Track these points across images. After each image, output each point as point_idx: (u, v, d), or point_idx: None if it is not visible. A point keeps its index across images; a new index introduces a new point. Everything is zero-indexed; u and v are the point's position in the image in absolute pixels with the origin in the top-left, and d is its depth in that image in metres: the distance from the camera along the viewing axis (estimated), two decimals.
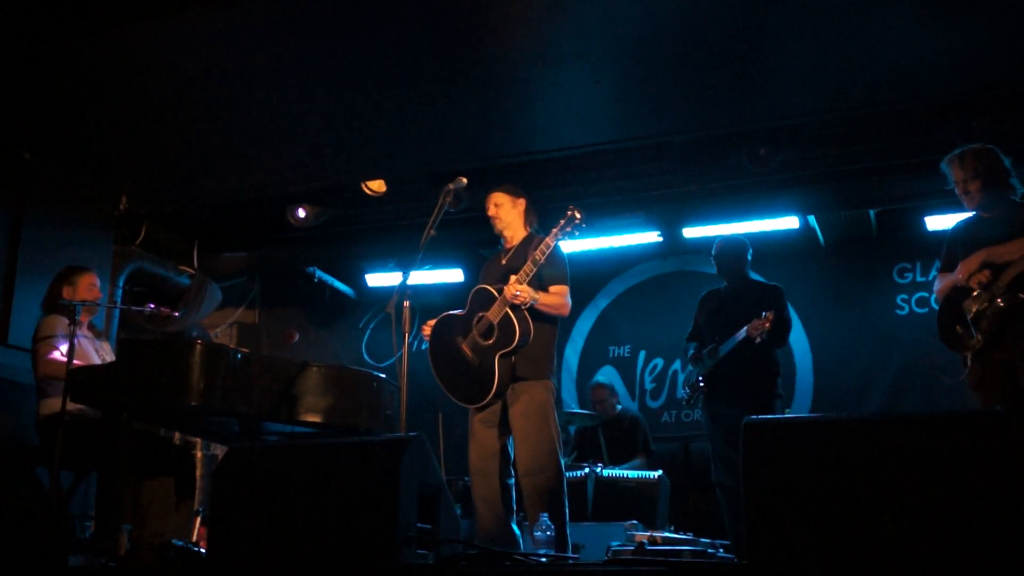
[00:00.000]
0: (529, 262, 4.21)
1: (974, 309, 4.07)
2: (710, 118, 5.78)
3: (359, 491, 2.78)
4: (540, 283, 4.33)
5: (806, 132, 6.12)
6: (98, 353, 4.85)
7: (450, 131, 5.88)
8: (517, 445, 4.29)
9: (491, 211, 4.60)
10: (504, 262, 4.51)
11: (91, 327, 4.95)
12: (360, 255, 8.28)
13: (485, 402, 4.29)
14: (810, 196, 6.67)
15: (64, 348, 4.64)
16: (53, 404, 4.58)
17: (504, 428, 4.35)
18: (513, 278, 4.20)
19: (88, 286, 4.86)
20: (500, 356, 4.22)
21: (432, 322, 4.55)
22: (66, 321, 4.64)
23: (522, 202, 4.61)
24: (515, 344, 4.20)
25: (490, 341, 4.26)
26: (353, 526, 2.74)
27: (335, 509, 2.79)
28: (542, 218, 4.70)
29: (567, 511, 4.24)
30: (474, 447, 4.40)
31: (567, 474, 4.53)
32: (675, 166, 6.57)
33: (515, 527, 4.37)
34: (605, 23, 4.68)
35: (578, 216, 4.20)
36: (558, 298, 4.35)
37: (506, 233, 4.61)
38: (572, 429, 7.10)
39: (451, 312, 4.52)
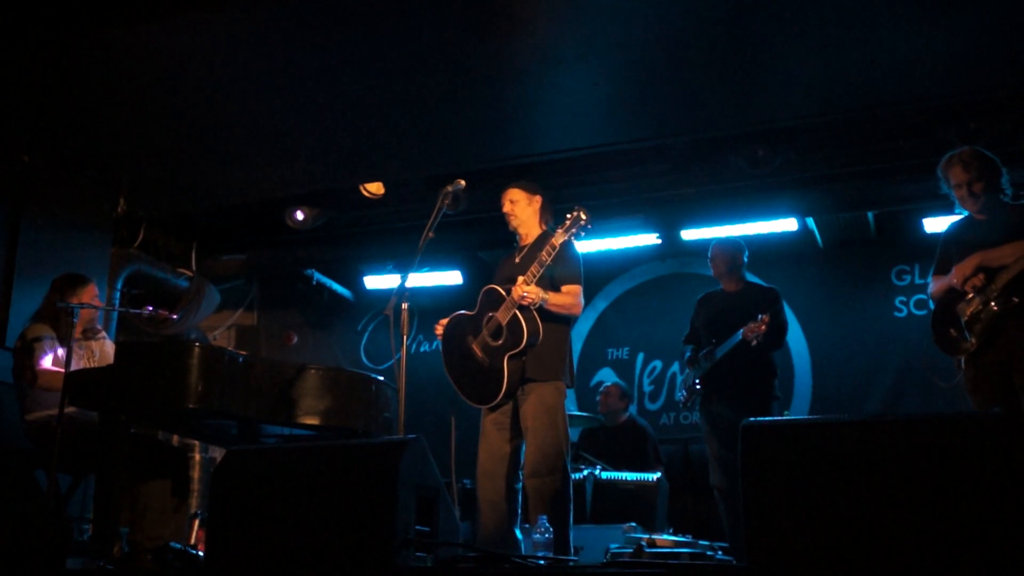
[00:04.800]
0: (536, 263, 4.18)
1: (968, 312, 4.07)
2: (708, 120, 5.79)
3: (357, 494, 2.78)
4: (551, 282, 4.30)
5: (804, 134, 6.12)
6: (91, 355, 4.86)
7: (448, 133, 5.87)
8: (526, 446, 4.26)
9: (506, 207, 4.55)
10: (518, 260, 4.48)
11: (87, 331, 4.93)
12: (358, 257, 8.28)
13: (495, 402, 4.27)
14: (808, 198, 6.68)
15: (52, 356, 4.64)
16: (44, 409, 4.58)
17: (516, 431, 4.32)
18: (520, 279, 4.18)
19: (92, 297, 4.86)
20: (509, 357, 4.20)
21: (445, 321, 4.53)
22: (52, 329, 4.66)
23: (538, 199, 4.56)
24: (523, 345, 4.17)
25: (499, 342, 4.24)
26: (351, 529, 2.74)
27: (333, 512, 2.79)
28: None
29: (571, 515, 4.22)
30: (484, 448, 4.37)
31: None
32: (673, 168, 6.57)
33: (518, 532, 4.34)
34: (604, 25, 4.68)
35: (583, 217, 4.15)
36: (569, 298, 4.31)
37: (521, 231, 4.57)
38: (571, 433, 7.10)
39: (462, 311, 4.51)
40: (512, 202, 4.54)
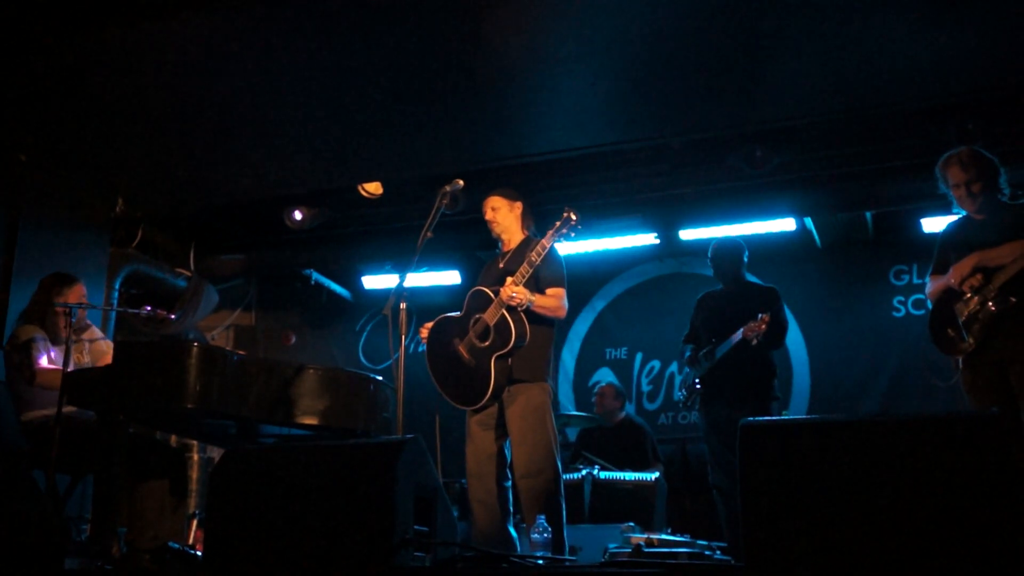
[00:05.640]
0: (525, 264, 4.22)
1: (966, 312, 4.07)
2: (707, 120, 5.79)
3: (356, 494, 2.78)
4: (537, 285, 4.34)
5: (803, 134, 6.12)
6: (81, 352, 4.86)
7: (447, 133, 5.88)
8: (514, 447, 4.29)
9: (488, 215, 4.61)
10: (501, 265, 4.52)
11: (77, 329, 4.92)
12: (357, 257, 8.27)
13: (481, 404, 4.30)
14: (806, 198, 6.68)
15: (46, 356, 4.64)
16: (41, 408, 4.58)
17: (501, 430, 4.35)
18: (509, 280, 4.22)
19: (80, 296, 4.85)
20: (496, 358, 4.23)
21: (430, 324, 4.56)
22: (42, 329, 4.66)
23: (519, 205, 4.62)
24: (511, 346, 4.20)
25: (486, 343, 4.26)
26: (350, 529, 2.74)
27: (332, 512, 2.79)
28: (539, 221, 4.71)
29: (564, 513, 4.24)
30: (471, 449, 4.41)
31: (564, 476, 4.53)
32: (672, 168, 6.57)
33: (512, 530, 4.37)
34: (602, 26, 4.68)
35: (574, 218, 4.21)
36: (554, 300, 4.35)
37: (503, 237, 4.63)
38: (569, 432, 7.10)
39: (448, 314, 4.53)
40: (494, 209, 4.60)
